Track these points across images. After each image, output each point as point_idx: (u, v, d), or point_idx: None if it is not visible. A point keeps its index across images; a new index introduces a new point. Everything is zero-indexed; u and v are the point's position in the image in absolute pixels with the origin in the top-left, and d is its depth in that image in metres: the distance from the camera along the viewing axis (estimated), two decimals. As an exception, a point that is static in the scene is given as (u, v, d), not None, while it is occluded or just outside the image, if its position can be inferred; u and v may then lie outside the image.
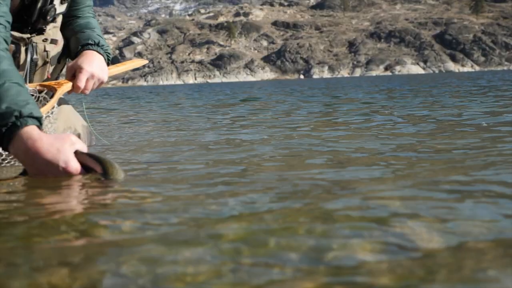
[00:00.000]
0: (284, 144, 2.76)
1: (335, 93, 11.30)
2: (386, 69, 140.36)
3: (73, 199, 1.49)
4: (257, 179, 1.76)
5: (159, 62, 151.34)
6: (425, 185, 1.53)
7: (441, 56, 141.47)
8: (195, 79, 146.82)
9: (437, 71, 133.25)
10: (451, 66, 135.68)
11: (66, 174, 1.72)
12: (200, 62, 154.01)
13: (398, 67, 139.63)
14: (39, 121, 1.80)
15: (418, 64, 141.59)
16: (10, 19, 2.11)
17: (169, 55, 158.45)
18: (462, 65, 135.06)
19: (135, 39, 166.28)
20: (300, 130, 3.62)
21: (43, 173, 1.73)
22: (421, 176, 1.72)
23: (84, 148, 1.79)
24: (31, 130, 1.76)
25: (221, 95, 14.49)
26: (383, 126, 3.63)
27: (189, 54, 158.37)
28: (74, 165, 1.72)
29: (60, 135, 1.80)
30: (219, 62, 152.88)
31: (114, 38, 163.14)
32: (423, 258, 0.92)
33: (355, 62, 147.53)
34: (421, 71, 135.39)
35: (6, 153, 2.22)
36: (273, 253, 0.97)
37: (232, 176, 1.84)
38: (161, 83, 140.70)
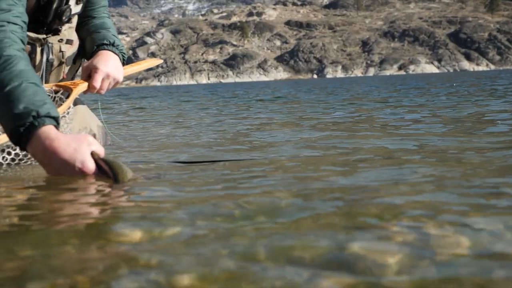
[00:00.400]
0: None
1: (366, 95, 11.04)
2: (400, 68, 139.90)
3: (91, 203, 1.48)
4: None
5: (172, 62, 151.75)
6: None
7: (455, 55, 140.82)
8: (208, 79, 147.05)
9: (451, 70, 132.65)
10: (466, 65, 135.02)
11: (82, 174, 1.71)
12: (213, 62, 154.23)
13: (412, 67, 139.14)
14: (56, 120, 1.81)
15: (432, 63, 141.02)
16: (26, 20, 2.12)
17: (182, 55, 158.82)
18: (477, 64, 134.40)
19: (148, 40, 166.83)
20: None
21: (60, 172, 1.73)
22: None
23: (101, 150, 1.79)
24: (48, 129, 1.76)
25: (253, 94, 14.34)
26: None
27: (202, 54, 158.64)
28: (90, 166, 1.72)
29: (78, 136, 1.80)
30: (232, 62, 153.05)
31: (128, 39, 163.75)
32: (449, 264, 0.91)
33: (368, 62, 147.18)
34: (435, 70, 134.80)
35: (24, 152, 2.23)
36: (295, 256, 0.96)
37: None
38: (174, 83, 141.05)
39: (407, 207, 1.28)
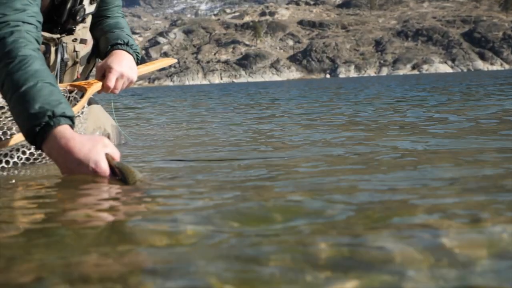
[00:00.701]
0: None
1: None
2: (413, 68, 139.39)
3: (106, 205, 1.48)
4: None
5: (185, 62, 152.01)
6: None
7: (469, 54, 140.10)
8: (221, 79, 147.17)
9: (465, 70, 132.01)
10: (480, 64, 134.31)
11: (95, 174, 1.71)
12: (226, 62, 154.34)
13: (425, 66, 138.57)
14: (71, 120, 1.81)
15: (446, 63, 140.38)
16: (41, 19, 2.12)
17: (195, 55, 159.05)
18: (491, 64, 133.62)
19: (161, 39, 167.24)
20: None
21: (73, 172, 1.74)
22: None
23: (116, 153, 1.79)
24: (64, 129, 1.76)
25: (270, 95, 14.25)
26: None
27: (215, 54, 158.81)
28: (104, 167, 1.72)
29: (93, 136, 1.80)
30: (245, 62, 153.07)
31: (140, 39, 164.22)
32: (467, 265, 0.91)
33: (382, 61, 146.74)
34: (449, 70, 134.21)
35: (38, 152, 2.23)
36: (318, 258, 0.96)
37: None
38: (187, 83, 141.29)
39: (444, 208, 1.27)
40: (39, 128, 1.76)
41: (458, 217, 1.17)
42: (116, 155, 1.79)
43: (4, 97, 1.93)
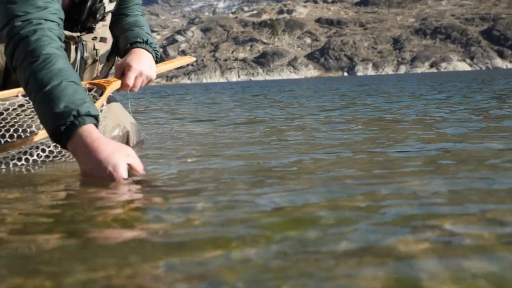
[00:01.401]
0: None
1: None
2: (431, 66, 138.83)
3: (125, 199, 1.47)
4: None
5: (202, 60, 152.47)
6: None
7: (488, 52, 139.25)
8: (239, 77, 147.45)
9: (484, 68, 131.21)
10: (499, 62, 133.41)
11: (111, 178, 1.70)
12: (244, 60, 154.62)
13: (443, 64, 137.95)
14: (96, 119, 1.82)
15: (464, 60, 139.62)
16: (63, 16, 2.12)
17: (212, 53, 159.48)
18: (510, 62, 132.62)
19: (179, 38, 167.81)
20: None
21: (92, 172, 1.73)
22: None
23: (139, 165, 1.77)
24: (89, 128, 1.77)
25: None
26: None
27: (232, 52, 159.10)
28: (121, 172, 1.71)
29: (119, 144, 1.81)
30: (263, 60, 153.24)
31: (158, 37, 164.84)
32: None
33: (399, 59, 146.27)
34: (468, 68, 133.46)
35: (58, 149, 2.24)
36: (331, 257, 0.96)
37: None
38: (204, 81, 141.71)
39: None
40: (64, 127, 1.76)
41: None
42: (139, 167, 1.77)
43: (28, 96, 1.94)
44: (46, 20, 1.99)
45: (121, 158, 1.73)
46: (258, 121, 4.53)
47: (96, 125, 1.81)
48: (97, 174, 1.71)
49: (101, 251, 0.99)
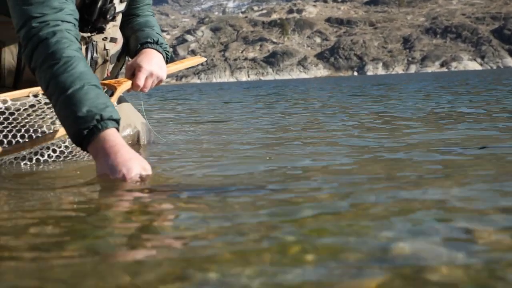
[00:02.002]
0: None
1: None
2: (442, 65, 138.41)
3: (137, 204, 1.47)
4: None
5: (212, 59, 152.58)
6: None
7: (499, 51, 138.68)
8: (248, 76, 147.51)
9: (494, 67, 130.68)
10: (510, 61, 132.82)
11: (123, 179, 1.71)
12: (253, 60, 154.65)
13: (454, 63, 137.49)
14: (117, 123, 1.83)
15: (475, 60, 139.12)
16: (78, 16, 2.12)
17: (222, 52, 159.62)
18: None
19: (188, 37, 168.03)
20: None
21: (107, 172, 1.74)
22: None
23: (147, 177, 1.78)
24: (111, 132, 1.79)
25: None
26: None
27: (242, 52, 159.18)
28: (134, 176, 1.72)
29: (139, 156, 1.82)
30: (272, 60, 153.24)
31: (168, 36, 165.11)
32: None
33: (410, 59, 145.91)
34: (478, 67, 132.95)
35: (68, 150, 2.25)
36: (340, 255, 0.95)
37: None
38: (214, 80, 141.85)
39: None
40: (87, 131, 1.78)
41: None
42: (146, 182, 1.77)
43: (48, 98, 1.94)
44: (63, 21, 1.99)
45: (137, 165, 1.75)
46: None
47: (117, 129, 1.83)
48: (111, 174, 1.73)
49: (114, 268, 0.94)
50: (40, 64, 1.92)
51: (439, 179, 1.64)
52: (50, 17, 1.98)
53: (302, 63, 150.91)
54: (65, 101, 1.83)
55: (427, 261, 0.89)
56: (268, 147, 2.65)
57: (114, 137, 1.79)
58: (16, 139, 2.17)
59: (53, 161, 2.25)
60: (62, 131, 2.17)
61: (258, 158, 2.30)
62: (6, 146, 2.16)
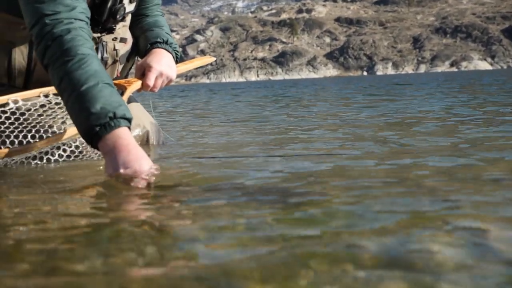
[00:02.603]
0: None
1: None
2: (451, 65, 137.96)
3: (147, 208, 1.47)
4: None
5: (221, 59, 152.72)
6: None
7: (509, 51, 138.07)
8: (258, 76, 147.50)
9: (505, 67, 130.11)
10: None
11: (135, 174, 1.71)
12: (263, 59, 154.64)
13: (464, 63, 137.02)
14: (129, 122, 1.83)
15: (485, 59, 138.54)
16: (89, 15, 2.13)
17: (231, 52, 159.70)
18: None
19: (198, 37, 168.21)
20: None
21: (118, 170, 1.73)
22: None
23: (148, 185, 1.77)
24: (124, 131, 1.79)
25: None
26: None
27: (251, 52, 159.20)
28: (146, 170, 1.73)
29: (149, 159, 1.81)
30: (282, 59, 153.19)
31: (178, 36, 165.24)
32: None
33: (419, 58, 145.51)
34: (489, 67, 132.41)
35: (79, 150, 2.26)
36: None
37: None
38: (223, 80, 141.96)
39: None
40: (99, 128, 1.77)
41: None
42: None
43: (59, 94, 1.94)
44: (76, 19, 2.00)
45: (149, 163, 1.75)
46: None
47: (129, 128, 1.83)
48: (123, 169, 1.72)
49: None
50: (54, 61, 1.92)
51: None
52: (63, 15, 1.99)
53: (311, 63, 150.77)
54: (78, 97, 1.83)
55: None
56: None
57: (126, 136, 1.79)
58: (26, 139, 2.18)
59: (64, 160, 2.25)
60: (71, 132, 2.18)
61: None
62: (17, 146, 2.16)
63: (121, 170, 1.73)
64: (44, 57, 1.95)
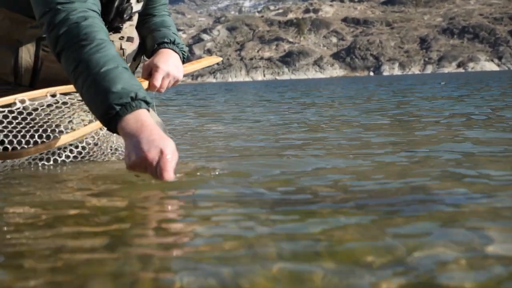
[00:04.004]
0: None
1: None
2: (458, 66, 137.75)
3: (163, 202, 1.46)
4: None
5: (228, 59, 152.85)
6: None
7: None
8: (264, 76, 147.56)
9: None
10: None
11: (160, 157, 1.63)
12: (269, 59, 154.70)
13: (471, 64, 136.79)
14: (149, 106, 1.80)
15: (492, 60, 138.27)
16: (100, 9, 2.12)
17: (238, 52, 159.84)
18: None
19: (204, 36, 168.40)
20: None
21: (139, 154, 1.65)
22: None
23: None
24: (145, 112, 1.74)
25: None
26: None
27: (258, 51, 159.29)
28: (172, 151, 1.67)
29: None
30: (288, 59, 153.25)
31: (184, 35, 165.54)
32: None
33: (426, 59, 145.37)
34: (496, 68, 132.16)
35: (86, 150, 2.25)
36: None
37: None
38: (230, 80, 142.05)
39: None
40: (120, 107, 1.73)
41: None
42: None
43: (74, 79, 1.88)
44: (89, 9, 1.99)
45: (172, 145, 1.67)
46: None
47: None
48: (147, 150, 1.64)
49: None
50: (70, 46, 1.88)
51: None
52: (77, 5, 1.97)
53: (318, 62, 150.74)
54: (97, 79, 1.79)
55: None
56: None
57: (148, 118, 1.74)
58: (34, 139, 2.17)
59: (71, 161, 2.25)
60: (79, 132, 2.17)
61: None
62: (25, 146, 2.16)
63: (145, 150, 1.64)
64: (57, 43, 1.92)
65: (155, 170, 1.63)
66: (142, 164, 1.66)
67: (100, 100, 1.78)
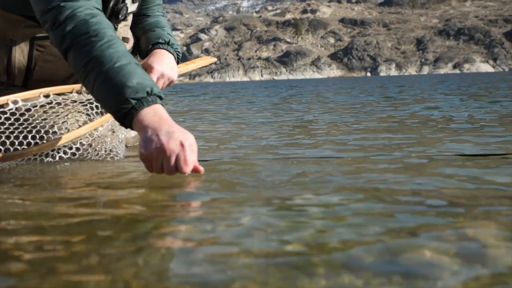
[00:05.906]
0: None
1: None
2: (454, 67, 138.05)
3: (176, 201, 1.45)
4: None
5: (225, 59, 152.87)
6: None
7: (511, 54, 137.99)
8: (262, 76, 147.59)
9: (507, 70, 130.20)
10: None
11: (181, 150, 1.62)
12: (267, 59, 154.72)
13: (466, 65, 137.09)
14: (163, 102, 1.80)
15: (487, 62, 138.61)
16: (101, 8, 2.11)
17: (236, 52, 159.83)
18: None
19: (202, 36, 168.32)
20: None
21: (156, 147, 1.64)
22: None
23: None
24: (160, 107, 1.75)
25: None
26: None
27: (255, 51, 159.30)
28: (192, 142, 1.66)
29: None
30: (286, 59, 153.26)
31: (182, 35, 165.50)
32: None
33: (423, 60, 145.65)
34: (491, 69, 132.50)
35: (84, 147, 2.25)
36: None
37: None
38: (227, 79, 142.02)
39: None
40: (135, 101, 1.73)
41: None
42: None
43: (84, 75, 1.88)
44: (94, 7, 1.99)
45: (191, 137, 1.68)
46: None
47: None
48: (167, 141, 1.63)
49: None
50: (79, 42, 1.88)
51: None
52: (82, 3, 1.96)
53: (315, 63, 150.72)
54: (110, 74, 1.79)
55: None
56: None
57: (165, 112, 1.75)
58: (27, 140, 2.16)
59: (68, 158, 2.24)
60: (73, 134, 2.17)
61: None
62: (19, 147, 2.15)
63: (164, 141, 1.63)
64: (63, 40, 1.91)
65: (172, 162, 1.63)
66: (159, 156, 1.65)
67: (114, 94, 1.78)
